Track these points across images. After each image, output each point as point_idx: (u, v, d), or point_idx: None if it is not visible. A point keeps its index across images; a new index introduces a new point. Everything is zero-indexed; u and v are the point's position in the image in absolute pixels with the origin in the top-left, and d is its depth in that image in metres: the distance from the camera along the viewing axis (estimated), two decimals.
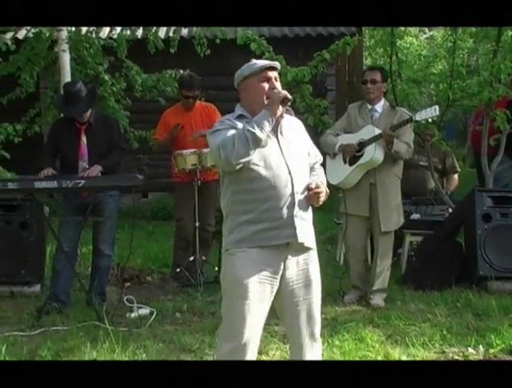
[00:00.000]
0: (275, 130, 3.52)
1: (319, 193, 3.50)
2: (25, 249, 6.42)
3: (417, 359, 4.63)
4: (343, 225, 6.17)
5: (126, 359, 4.57)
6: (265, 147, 3.44)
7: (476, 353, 4.73)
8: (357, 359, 4.64)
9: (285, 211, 3.45)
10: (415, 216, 6.92)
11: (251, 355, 3.50)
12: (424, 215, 6.97)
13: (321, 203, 3.54)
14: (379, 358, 4.64)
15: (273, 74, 3.54)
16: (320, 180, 3.61)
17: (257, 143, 3.38)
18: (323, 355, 4.59)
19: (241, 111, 3.60)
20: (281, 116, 3.54)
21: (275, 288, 3.50)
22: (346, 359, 4.62)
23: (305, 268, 3.55)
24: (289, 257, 3.50)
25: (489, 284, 6.14)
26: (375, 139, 5.72)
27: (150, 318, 5.53)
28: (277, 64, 3.60)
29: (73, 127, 5.89)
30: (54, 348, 4.84)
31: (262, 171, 3.46)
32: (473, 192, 6.44)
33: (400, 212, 6.04)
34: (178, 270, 6.59)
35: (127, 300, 5.82)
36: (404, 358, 4.62)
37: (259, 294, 3.45)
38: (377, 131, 5.74)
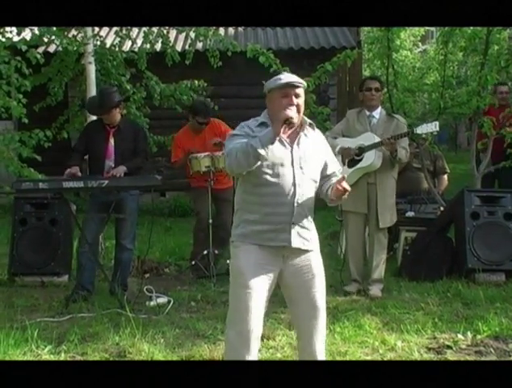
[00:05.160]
0: (292, 141, 3.48)
1: (342, 190, 3.42)
2: (54, 243, 6.46)
3: (411, 344, 4.62)
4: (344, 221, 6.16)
5: (146, 343, 4.58)
6: (266, 160, 3.38)
7: (464, 339, 4.71)
8: (356, 344, 4.63)
9: (283, 218, 3.44)
10: (410, 213, 6.91)
11: (255, 339, 3.49)
12: (418, 213, 6.95)
13: (342, 200, 3.50)
14: (377, 344, 4.63)
15: (293, 91, 3.43)
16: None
17: (257, 157, 3.33)
18: (325, 341, 4.61)
19: (265, 118, 3.54)
20: (301, 128, 3.50)
21: (275, 279, 3.50)
22: (347, 344, 4.61)
23: (308, 264, 3.53)
24: (288, 256, 3.50)
25: (477, 275, 6.12)
26: (374, 146, 5.70)
27: (168, 307, 5.54)
28: (299, 82, 3.47)
29: (104, 129, 5.92)
30: (81, 333, 4.85)
31: (269, 178, 3.43)
32: (463, 192, 6.43)
33: (395, 210, 6.02)
34: (193, 263, 6.59)
35: (146, 290, 5.81)
36: (399, 344, 4.60)
37: (259, 284, 3.45)
38: (377, 139, 5.73)
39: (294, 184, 3.44)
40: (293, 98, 3.44)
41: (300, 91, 3.47)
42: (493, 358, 4.42)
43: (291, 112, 3.36)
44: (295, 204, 3.45)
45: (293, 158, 3.46)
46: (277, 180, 3.44)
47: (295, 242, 3.47)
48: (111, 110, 5.83)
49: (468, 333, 4.79)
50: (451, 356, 4.45)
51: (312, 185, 3.54)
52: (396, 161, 5.78)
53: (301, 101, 3.47)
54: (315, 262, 3.56)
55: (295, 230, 3.47)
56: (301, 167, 3.47)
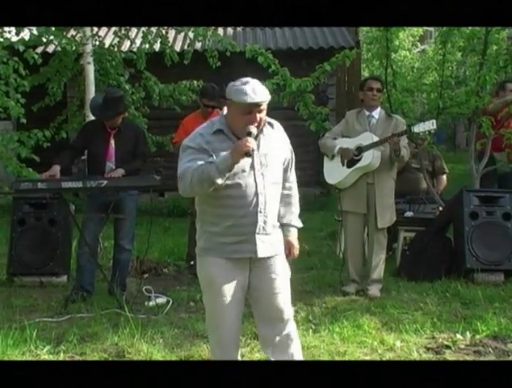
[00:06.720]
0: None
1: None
2: (53, 243, 6.45)
3: (410, 344, 4.62)
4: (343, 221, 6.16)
5: (145, 344, 4.57)
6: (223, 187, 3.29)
7: (463, 339, 4.71)
8: (355, 344, 4.63)
9: (248, 229, 3.36)
10: (409, 213, 6.91)
11: (234, 345, 3.51)
12: (417, 213, 6.95)
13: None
14: (376, 344, 4.63)
15: (257, 109, 3.27)
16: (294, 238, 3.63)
17: (213, 185, 3.24)
18: (324, 341, 4.63)
19: (221, 124, 3.39)
20: (260, 132, 3.37)
21: (245, 280, 3.46)
22: (345, 344, 4.61)
23: (271, 265, 3.47)
24: (254, 263, 3.44)
25: (476, 275, 6.12)
26: (373, 145, 5.70)
27: (166, 307, 5.54)
28: (264, 100, 3.29)
29: (104, 130, 5.90)
30: (79, 333, 4.85)
31: (231, 191, 3.32)
32: (461, 192, 6.44)
33: (394, 210, 6.02)
34: (191, 263, 6.58)
35: (145, 290, 5.82)
36: (398, 344, 4.61)
37: (231, 290, 3.41)
38: (375, 138, 5.73)
39: (256, 194, 3.34)
40: (256, 115, 3.28)
41: (262, 107, 3.30)
42: (492, 358, 4.42)
43: (252, 144, 3.19)
44: (260, 214, 3.36)
45: (254, 165, 3.34)
46: (238, 192, 3.32)
47: (262, 252, 3.41)
48: (116, 116, 5.83)
49: (467, 333, 4.80)
50: (449, 356, 4.45)
51: (276, 188, 3.45)
52: (399, 159, 5.79)
53: (263, 113, 3.33)
54: (279, 264, 3.51)
55: (260, 240, 3.39)
56: (262, 174, 3.36)
